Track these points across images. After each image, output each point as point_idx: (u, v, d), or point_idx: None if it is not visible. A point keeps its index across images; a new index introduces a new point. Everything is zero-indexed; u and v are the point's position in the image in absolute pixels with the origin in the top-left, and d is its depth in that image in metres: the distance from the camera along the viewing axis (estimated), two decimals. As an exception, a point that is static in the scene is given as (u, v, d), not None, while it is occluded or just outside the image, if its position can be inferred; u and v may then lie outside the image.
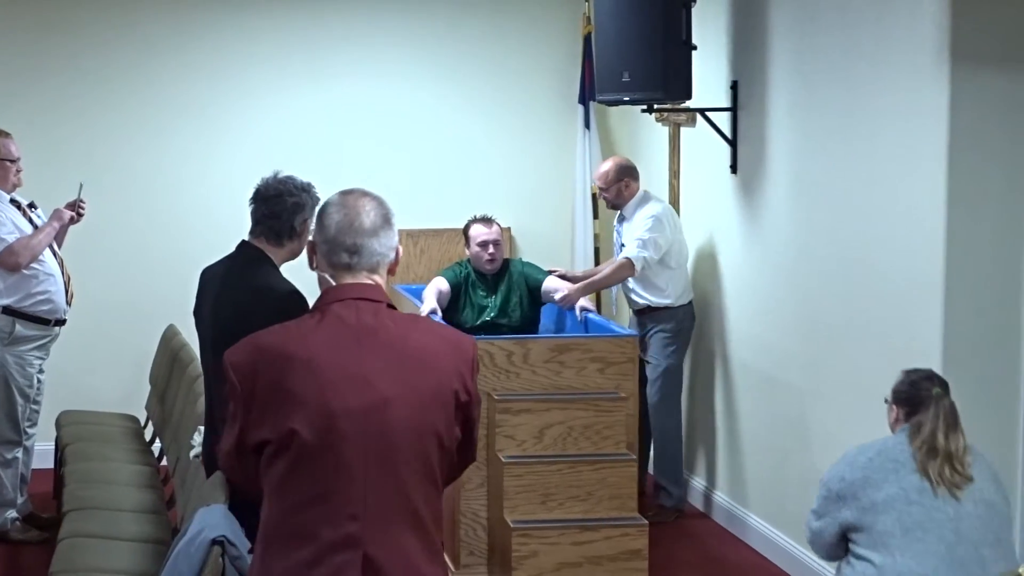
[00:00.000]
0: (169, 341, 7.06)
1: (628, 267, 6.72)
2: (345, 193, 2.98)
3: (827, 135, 5.74)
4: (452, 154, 8.25)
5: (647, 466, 7.01)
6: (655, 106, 6.85)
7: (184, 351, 6.59)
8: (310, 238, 3.04)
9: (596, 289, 7.10)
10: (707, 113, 6.68)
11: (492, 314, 6.78)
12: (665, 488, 6.95)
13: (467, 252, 6.91)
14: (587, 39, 7.91)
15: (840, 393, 5.63)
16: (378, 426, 2.82)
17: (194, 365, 6.05)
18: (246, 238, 4.55)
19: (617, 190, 6.93)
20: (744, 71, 6.57)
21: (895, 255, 5.19)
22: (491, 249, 6.79)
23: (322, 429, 2.79)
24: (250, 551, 3.69)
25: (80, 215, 6.49)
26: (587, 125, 8.07)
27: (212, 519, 3.95)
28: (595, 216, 8.04)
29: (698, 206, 7.11)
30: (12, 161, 6.32)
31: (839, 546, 4.02)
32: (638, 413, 6.35)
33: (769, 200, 6.29)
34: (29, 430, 6.46)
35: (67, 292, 6.39)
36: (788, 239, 6.11)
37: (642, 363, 6.87)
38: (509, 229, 8.00)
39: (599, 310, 7.65)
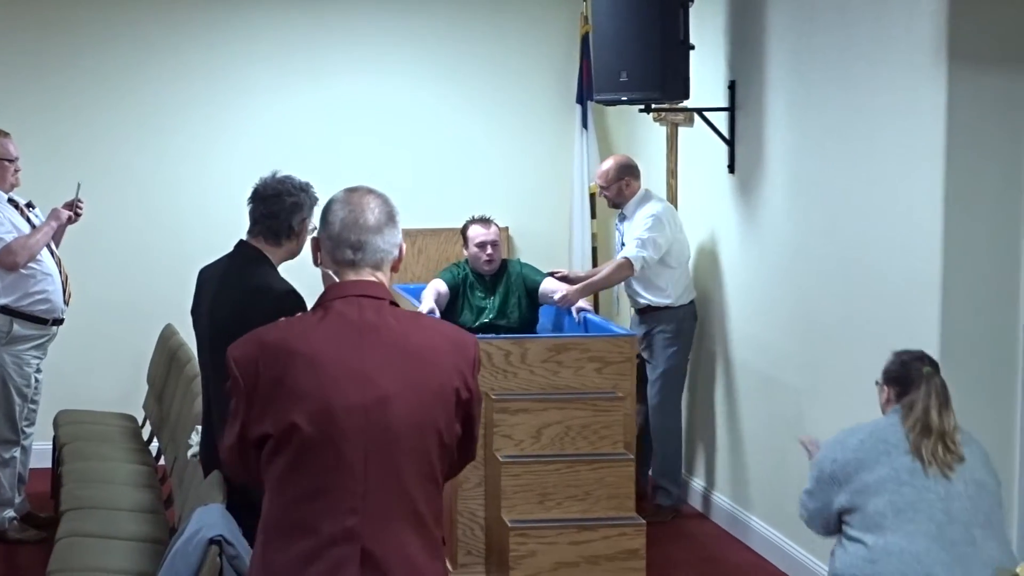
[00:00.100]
0: (167, 340, 7.06)
1: (627, 267, 6.71)
2: (350, 190, 3.01)
3: (825, 135, 5.74)
4: (450, 153, 8.25)
5: (647, 466, 7.00)
6: (653, 106, 6.85)
7: (182, 350, 6.59)
8: (314, 235, 3.06)
9: (595, 290, 7.10)
10: (705, 113, 6.68)
11: (490, 315, 6.78)
12: (663, 488, 6.95)
13: (465, 253, 6.91)
14: (585, 39, 7.91)
15: (838, 392, 5.63)
16: (378, 422, 2.84)
17: (192, 364, 6.05)
18: (244, 238, 4.55)
19: (618, 189, 6.93)
20: (742, 71, 6.57)
21: (893, 254, 5.19)
22: (489, 250, 6.78)
23: (322, 424, 2.82)
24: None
25: (78, 215, 6.49)
26: (585, 125, 8.07)
27: (210, 518, 3.96)
28: (593, 216, 8.05)
29: (696, 206, 7.11)
30: (10, 161, 6.31)
31: (836, 522, 4.06)
32: (635, 413, 6.34)
33: (767, 200, 6.29)
34: (27, 429, 6.46)
35: (65, 291, 6.39)
36: (786, 239, 6.12)
37: (643, 362, 6.88)
38: (507, 228, 7.99)
39: (597, 310, 7.65)
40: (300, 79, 8.06)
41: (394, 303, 2.98)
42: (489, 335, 6.23)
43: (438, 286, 6.77)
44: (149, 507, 5.63)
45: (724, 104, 6.68)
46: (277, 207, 4.47)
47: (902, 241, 5.13)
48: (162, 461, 6.48)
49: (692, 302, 6.92)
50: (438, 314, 6.53)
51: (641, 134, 7.86)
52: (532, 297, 6.83)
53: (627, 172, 6.95)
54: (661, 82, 6.34)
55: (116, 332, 7.87)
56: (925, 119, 4.94)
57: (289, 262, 4.58)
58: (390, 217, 2.99)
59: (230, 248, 4.59)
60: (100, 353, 7.86)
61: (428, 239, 8.12)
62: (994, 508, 3.92)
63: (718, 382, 6.88)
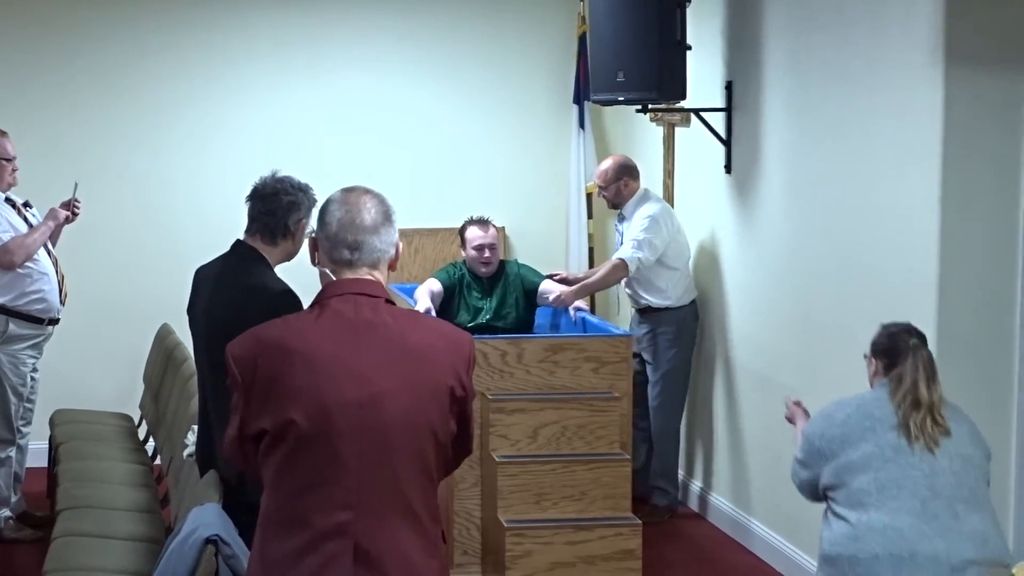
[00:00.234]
0: (163, 340, 7.06)
1: (622, 268, 6.71)
2: (347, 190, 3.04)
3: (821, 135, 5.74)
4: (447, 153, 8.25)
5: (646, 466, 6.99)
6: (649, 106, 6.84)
7: (178, 350, 6.59)
8: (312, 234, 3.09)
9: (591, 291, 7.09)
10: (702, 113, 6.68)
11: (487, 316, 6.77)
12: (660, 488, 6.95)
13: (462, 253, 6.90)
14: (582, 39, 7.91)
15: (834, 392, 5.58)
16: (373, 419, 2.87)
17: (188, 364, 6.04)
18: (241, 237, 4.56)
19: (616, 189, 6.92)
20: (739, 71, 6.57)
21: (889, 254, 5.19)
22: (487, 253, 6.77)
23: (318, 420, 2.85)
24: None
25: (75, 214, 6.49)
26: (582, 125, 8.07)
27: (206, 518, 3.96)
28: (589, 216, 8.05)
29: (693, 206, 7.11)
30: (8, 160, 6.31)
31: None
32: (631, 413, 6.33)
33: (763, 200, 6.29)
34: (23, 429, 6.45)
35: (61, 291, 6.38)
36: (782, 239, 6.12)
37: (643, 362, 6.87)
38: (504, 229, 7.99)
39: (594, 310, 7.65)
40: (297, 78, 8.06)
41: (391, 301, 3.00)
42: (485, 335, 6.23)
43: (432, 285, 6.76)
44: (145, 507, 5.63)
45: (721, 104, 6.68)
46: (274, 205, 4.48)
47: (899, 241, 5.13)
48: (158, 460, 6.48)
49: (693, 302, 6.91)
50: (434, 312, 6.52)
51: (638, 134, 7.86)
52: (530, 298, 6.83)
53: (625, 172, 6.94)
54: (658, 82, 6.34)
55: (112, 332, 7.87)
56: (922, 119, 4.94)
57: (287, 263, 4.58)
58: (386, 217, 3.02)
59: (227, 248, 4.59)
60: (96, 352, 7.86)
61: (425, 239, 8.12)
62: (979, 482, 3.92)
63: (714, 382, 6.87)
